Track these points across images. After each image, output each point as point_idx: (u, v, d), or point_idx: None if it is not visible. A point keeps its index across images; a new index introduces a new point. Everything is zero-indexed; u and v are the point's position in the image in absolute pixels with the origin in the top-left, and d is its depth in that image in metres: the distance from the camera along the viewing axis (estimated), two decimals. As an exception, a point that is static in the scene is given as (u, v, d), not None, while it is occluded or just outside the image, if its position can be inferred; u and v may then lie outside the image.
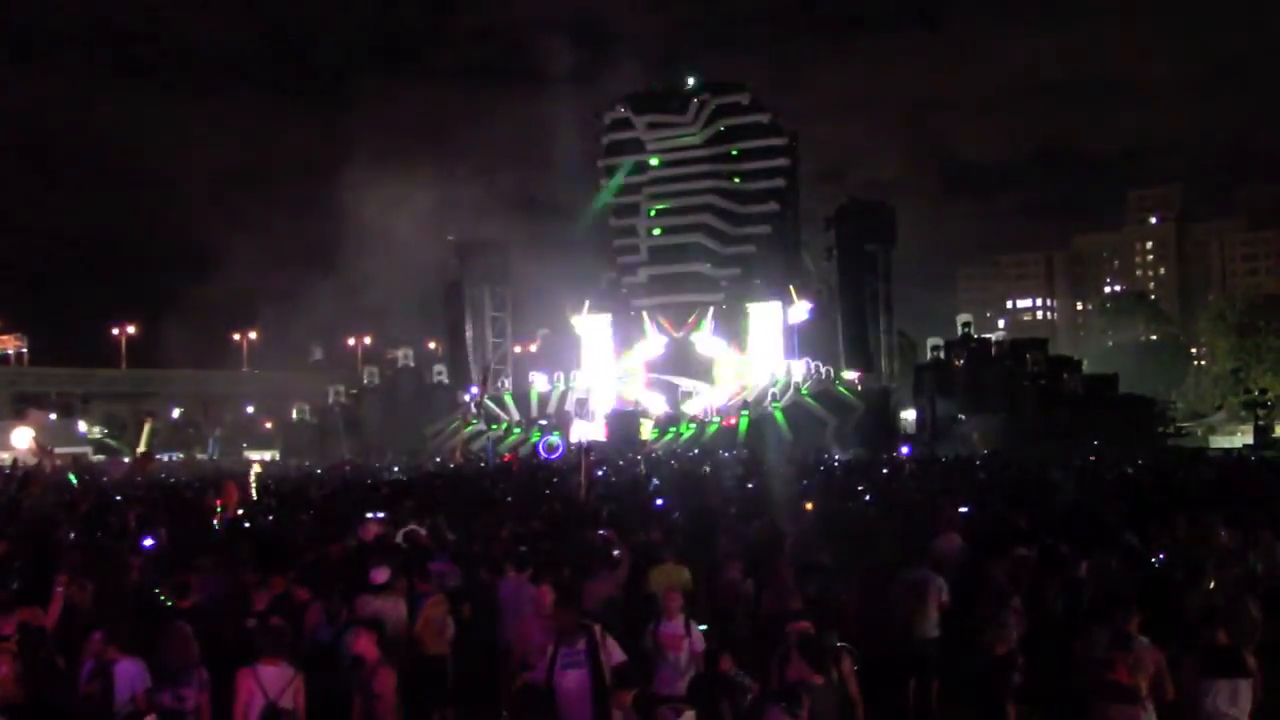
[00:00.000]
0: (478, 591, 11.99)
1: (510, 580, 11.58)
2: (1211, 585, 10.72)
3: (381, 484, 28.93)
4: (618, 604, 11.48)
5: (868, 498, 20.49)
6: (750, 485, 23.99)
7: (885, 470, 29.90)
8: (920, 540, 13.31)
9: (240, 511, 17.01)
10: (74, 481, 23.46)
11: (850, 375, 60.12)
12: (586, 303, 70.79)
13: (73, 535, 15.76)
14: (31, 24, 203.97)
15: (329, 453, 58.51)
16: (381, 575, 10.47)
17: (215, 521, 14.42)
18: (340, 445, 61.21)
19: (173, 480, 32.84)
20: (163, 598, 10.57)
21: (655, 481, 26.46)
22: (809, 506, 16.92)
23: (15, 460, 43.10)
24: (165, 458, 55.76)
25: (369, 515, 16.98)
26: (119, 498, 21.40)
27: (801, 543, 13.50)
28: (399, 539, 14.38)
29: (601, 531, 14.21)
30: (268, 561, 12.29)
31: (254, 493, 20.16)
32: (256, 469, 22.85)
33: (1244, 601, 10.00)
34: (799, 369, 60.96)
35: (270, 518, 18.35)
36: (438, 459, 50.52)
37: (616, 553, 13.02)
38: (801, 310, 65.78)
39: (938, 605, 10.96)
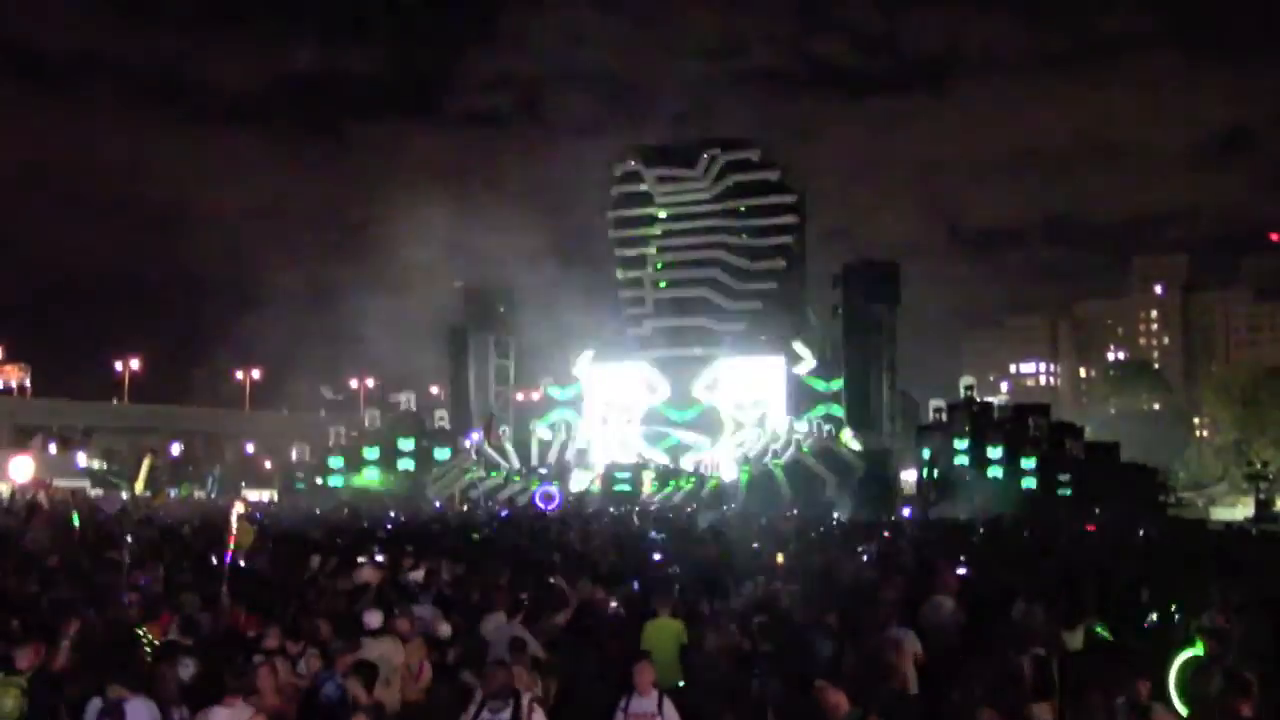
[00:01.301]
0: (459, 636, 12.05)
1: (505, 626, 11.62)
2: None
3: (379, 528, 28.91)
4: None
5: (865, 558, 20.46)
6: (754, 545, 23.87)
7: (886, 533, 29.77)
8: (917, 601, 13.38)
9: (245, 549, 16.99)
10: (75, 523, 23.42)
11: (850, 435, 60.04)
12: (589, 353, 71.10)
13: (67, 570, 15.78)
14: (42, 56, 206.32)
15: (328, 495, 58.41)
16: (374, 619, 10.54)
17: (224, 555, 14.41)
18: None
19: (168, 521, 32.69)
20: (148, 636, 10.57)
21: (654, 534, 26.43)
22: (780, 559, 16.87)
23: (14, 493, 43.09)
24: (168, 492, 55.65)
25: (361, 560, 17.02)
26: (128, 537, 21.35)
27: (806, 603, 13.51)
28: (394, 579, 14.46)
29: (551, 579, 14.26)
30: (264, 603, 12.33)
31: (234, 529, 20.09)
32: (240, 507, 22.57)
33: (1243, 672, 10.01)
34: (800, 426, 61.13)
35: (268, 559, 18.35)
36: (436, 504, 50.43)
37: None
38: (805, 367, 66.04)
39: (914, 662, 11.08)
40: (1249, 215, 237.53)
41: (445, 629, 11.95)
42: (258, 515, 20.49)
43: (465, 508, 47.77)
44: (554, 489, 46.62)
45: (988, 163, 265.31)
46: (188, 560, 17.67)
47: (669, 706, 8.66)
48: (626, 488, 54.63)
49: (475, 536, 26.04)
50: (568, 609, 12.80)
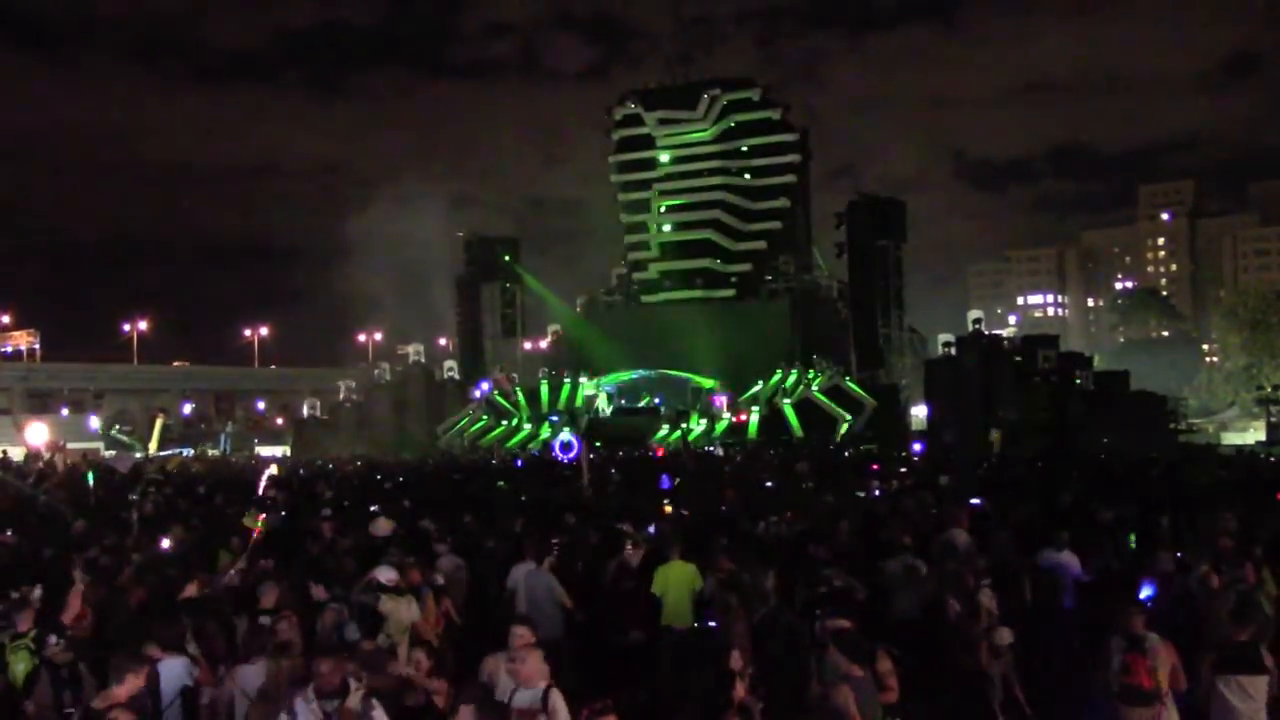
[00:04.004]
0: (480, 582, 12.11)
1: (530, 574, 11.65)
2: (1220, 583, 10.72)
3: (393, 480, 28.98)
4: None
5: (876, 493, 20.54)
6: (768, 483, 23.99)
7: (904, 468, 29.76)
8: (927, 533, 13.49)
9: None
10: (91, 481, 23.54)
11: (861, 372, 60.00)
12: (579, 301, 71.05)
13: (83, 530, 15.84)
14: (44, 19, 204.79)
15: (341, 448, 58.61)
16: (388, 575, 10.41)
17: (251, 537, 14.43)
18: (351, 441, 61.29)
19: (181, 480, 32.81)
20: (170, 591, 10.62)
21: (667, 478, 26.43)
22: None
23: (29, 456, 43.28)
24: (180, 452, 55.89)
25: (374, 509, 17.07)
26: (142, 495, 21.46)
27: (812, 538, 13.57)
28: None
29: (624, 526, 14.31)
30: (281, 557, 12.37)
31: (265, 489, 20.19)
32: (273, 469, 22.75)
33: (1257, 598, 10.03)
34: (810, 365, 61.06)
35: (283, 514, 18.43)
36: (448, 454, 50.50)
37: (629, 546, 13.08)
38: (811, 307, 66.00)
39: (920, 590, 11.57)
40: (1256, 140, 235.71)
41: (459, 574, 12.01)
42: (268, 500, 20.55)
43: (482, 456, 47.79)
44: (571, 437, 46.14)
45: (992, 95, 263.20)
46: (203, 519, 17.75)
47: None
48: (637, 432, 54.65)
49: (500, 484, 26.10)
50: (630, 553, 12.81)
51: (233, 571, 11.72)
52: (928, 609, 11.35)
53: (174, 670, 8.19)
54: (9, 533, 15.90)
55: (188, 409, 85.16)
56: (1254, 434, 62.53)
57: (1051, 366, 55.13)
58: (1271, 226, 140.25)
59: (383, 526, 15.10)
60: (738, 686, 7.42)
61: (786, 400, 56.52)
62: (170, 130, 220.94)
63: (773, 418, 54.49)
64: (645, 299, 69.91)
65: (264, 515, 14.67)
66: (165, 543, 13.59)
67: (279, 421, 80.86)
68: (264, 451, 62.04)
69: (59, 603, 9.67)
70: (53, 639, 8.50)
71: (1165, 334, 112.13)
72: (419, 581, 10.82)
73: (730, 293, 68.12)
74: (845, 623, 8.65)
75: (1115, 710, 8.16)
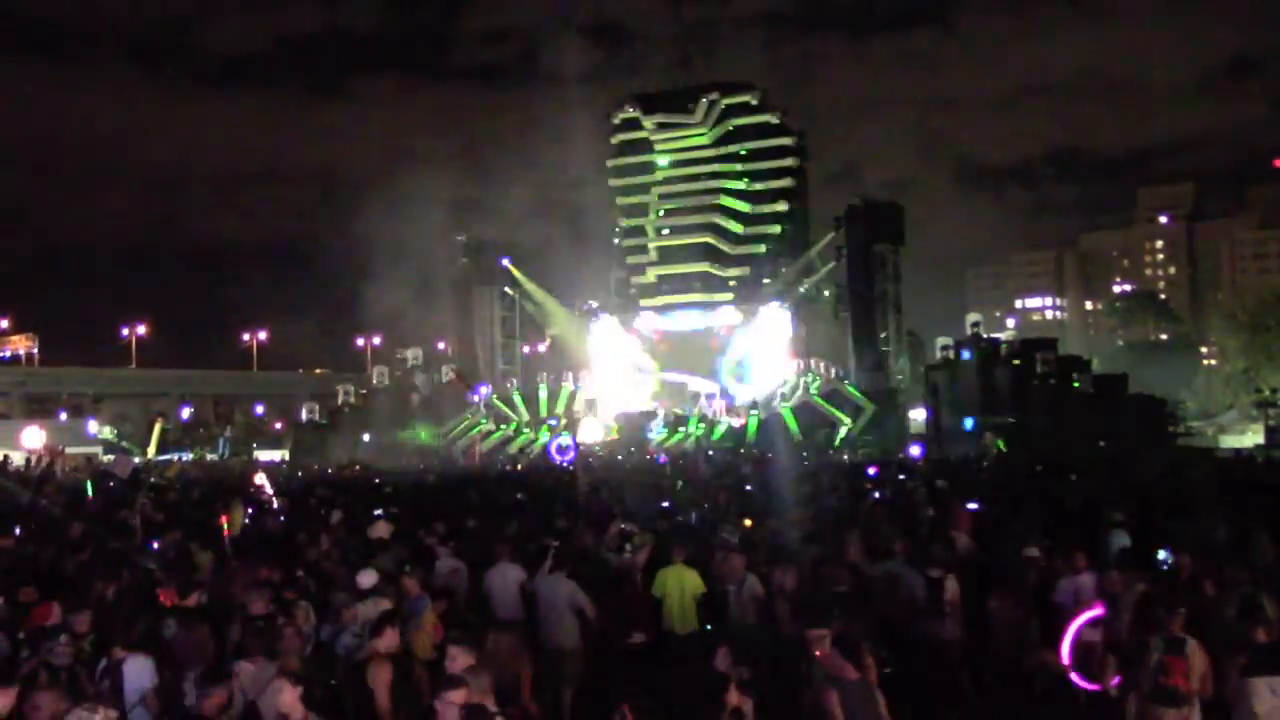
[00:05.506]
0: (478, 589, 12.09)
1: (545, 579, 11.61)
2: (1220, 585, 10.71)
3: (386, 484, 28.96)
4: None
5: (876, 495, 20.53)
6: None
7: (902, 475, 29.75)
8: (926, 537, 13.48)
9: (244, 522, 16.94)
10: (89, 492, 23.64)
11: (859, 376, 60.00)
12: (578, 305, 71.09)
13: (81, 534, 15.84)
14: (43, 23, 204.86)
15: (338, 453, 58.55)
16: (368, 579, 10.34)
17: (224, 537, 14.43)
18: (350, 446, 61.25)
19: (178, 485, 32.77)
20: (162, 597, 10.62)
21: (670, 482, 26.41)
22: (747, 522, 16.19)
23: (29, 460, 43.27)
24: (176, 457, 55.86)
25: (377, 514, 17.07)
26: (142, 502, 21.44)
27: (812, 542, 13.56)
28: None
29: (624, 526, 14.32)
30: (273, 561, 12.37)
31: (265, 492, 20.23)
32: (261, 477, 22.81)
33: (1260, 599, 10.03)
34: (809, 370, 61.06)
35: (281, 519, 18.43)
36: (449, 459, 50.51)
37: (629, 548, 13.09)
38: (809, 311, 66.04)
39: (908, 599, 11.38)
40: (1254, 144, 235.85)
41: (459, 580, 11.98)
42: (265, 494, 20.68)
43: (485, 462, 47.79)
44: (568, 440, 46.16)
45: (991, 99, 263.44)
46: (197, 525, 17.73)
47: None
48: (636, 436, 54.72)
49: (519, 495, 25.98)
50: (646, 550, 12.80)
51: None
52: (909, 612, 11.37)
53: (137, 669, 8.16)
54: (15, 532, 15.93)
55: (186, 413, 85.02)
56: (1252, 436, 62.52)
57: (1050, 369, 55.13)
58: (1270, 230, 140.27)
59: (380, 530, 15.10)
60: (731, 690, 7.28)
61: (785, 404, 56.56)
62: (169, 135, 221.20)
63: (771, 422, 54.50)
64: (644, 303, 69.87)
65: (228, 515, 14.69)
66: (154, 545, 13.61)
67: (278, 426, 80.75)
68: (263, 456, 62.00)
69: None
70: (63, 638, 8.48)
71: (1164, 337, 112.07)
72: (418, 593, 10.64)
73: (729, 296, 68.09)
74: (824, 631, 8.62)
75: (1146, 710, 8.22)
